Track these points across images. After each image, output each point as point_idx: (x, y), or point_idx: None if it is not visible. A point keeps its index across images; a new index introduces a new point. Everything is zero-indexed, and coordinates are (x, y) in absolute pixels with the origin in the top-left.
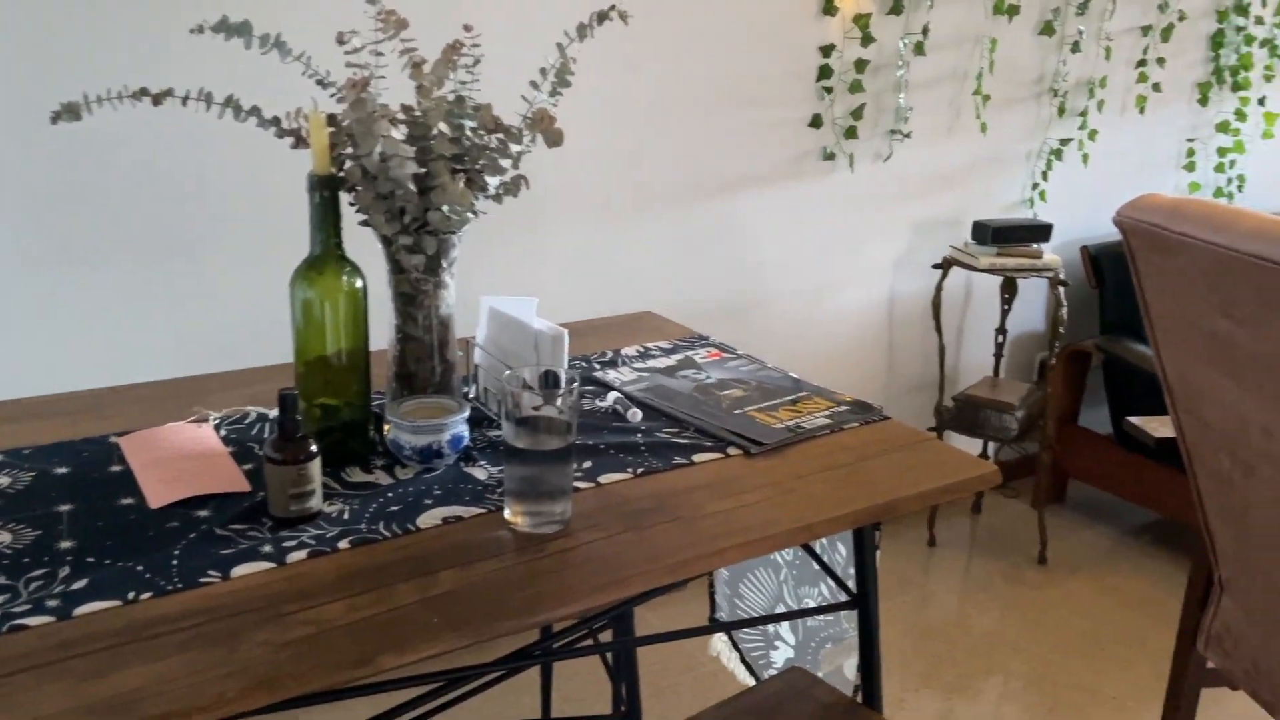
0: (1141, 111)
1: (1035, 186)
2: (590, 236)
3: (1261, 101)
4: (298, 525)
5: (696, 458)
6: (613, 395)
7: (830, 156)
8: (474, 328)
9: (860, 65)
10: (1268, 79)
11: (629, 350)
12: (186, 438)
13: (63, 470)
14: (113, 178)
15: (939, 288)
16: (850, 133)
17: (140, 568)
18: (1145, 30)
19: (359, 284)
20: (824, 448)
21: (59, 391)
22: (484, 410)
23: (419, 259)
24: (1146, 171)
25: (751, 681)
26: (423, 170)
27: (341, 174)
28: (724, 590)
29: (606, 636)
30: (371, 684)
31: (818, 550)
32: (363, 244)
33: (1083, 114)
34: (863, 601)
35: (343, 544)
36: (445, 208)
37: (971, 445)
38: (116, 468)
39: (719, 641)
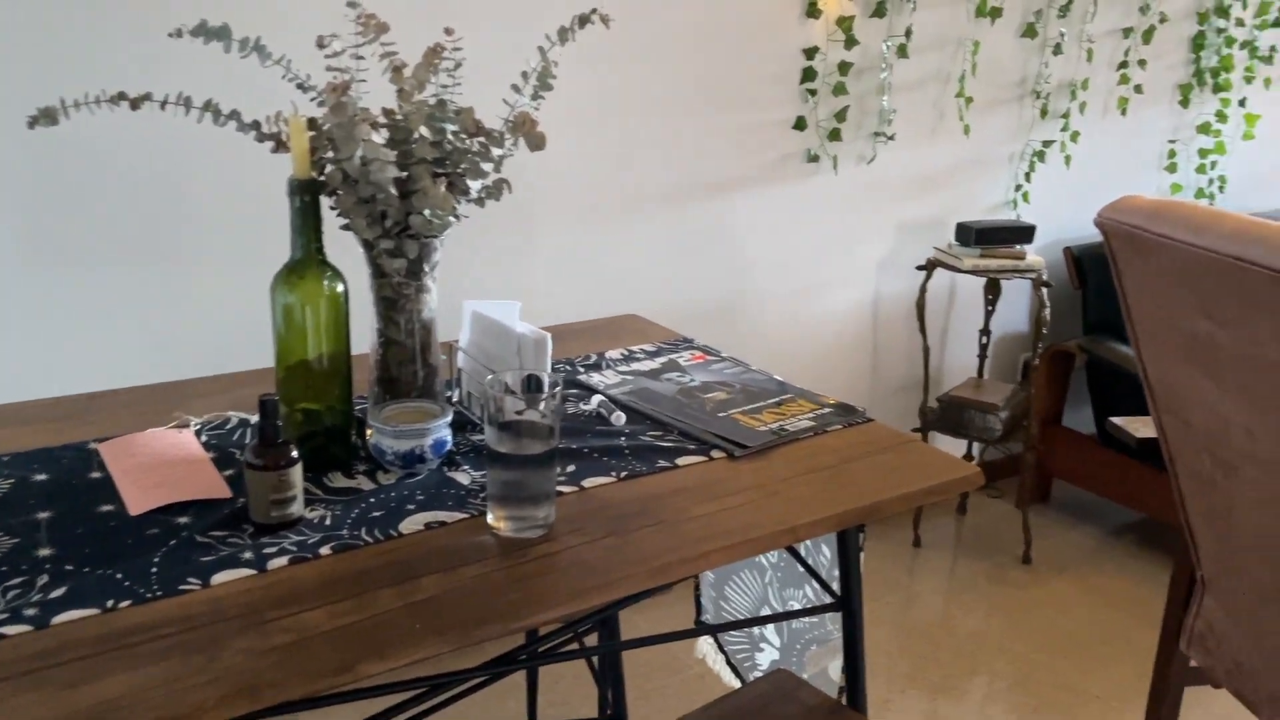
0: (1123, 113)
1: (1018, 188)
2: (577, 238)
3: (1242, 103)
4: (279, 531)
5: (680, 461)
6: (596, 398)
7: (814, 159)
8: (458, 332)
9: (844, 68)
10: (1248, 80)
11: (613, 353)
12: (167, 443)
13: (42, 477)
14: (92, 182)
15: (923, 289)
16: (834, 135)
17: (119, 575)
18: (1127, 32)
19: (340, 288)
20: (808, 450)
21: (39, 397)
22: (467, 415)
23: (401, 263)
24: (1128, 173)
25: (737, 684)
26: (404, 174)
27: (322, 178)
28: (709, 593)
29: (592, 640)
30: (354, 691)
31: (802, 553)
32: (344, 248)
33: (1065, 116)
34: (847, 603)
35: (324, 550)
36: (427, 211)
37: (956, 446)
38: (96, 474)
39: (705, 644)
